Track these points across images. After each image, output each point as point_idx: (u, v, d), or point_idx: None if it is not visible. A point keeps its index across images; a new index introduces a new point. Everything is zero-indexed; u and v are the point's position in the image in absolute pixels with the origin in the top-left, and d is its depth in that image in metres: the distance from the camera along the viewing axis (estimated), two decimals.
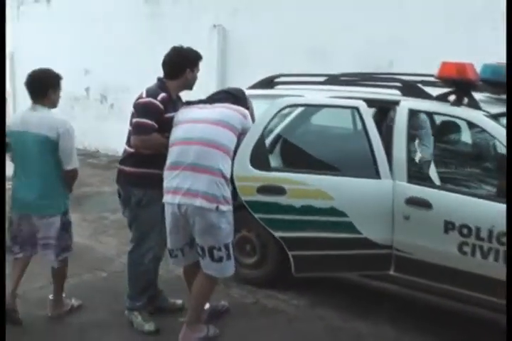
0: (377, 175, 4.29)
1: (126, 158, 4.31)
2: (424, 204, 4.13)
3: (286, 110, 4.71)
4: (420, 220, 4.18)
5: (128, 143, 4.28)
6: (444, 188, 4.26)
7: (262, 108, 4.52)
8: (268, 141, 4.72)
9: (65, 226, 4.40)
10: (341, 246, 4.36)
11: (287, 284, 4.98)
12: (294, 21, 8.47)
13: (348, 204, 4.30)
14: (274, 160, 4.69)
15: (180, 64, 4.22)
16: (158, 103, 4.10)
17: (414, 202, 4.18)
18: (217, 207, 3.82)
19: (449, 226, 4.04)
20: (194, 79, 4.30)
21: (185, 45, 8.74)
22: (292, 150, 4.77)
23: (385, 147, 4.35)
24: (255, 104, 4.46)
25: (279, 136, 4.94)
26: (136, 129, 4.12)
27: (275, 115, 4.39)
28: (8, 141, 4.26)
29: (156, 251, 4.36)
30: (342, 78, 5.29)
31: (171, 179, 3.93)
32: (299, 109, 4.94)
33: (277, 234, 4.47)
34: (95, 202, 7.67)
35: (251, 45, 9.03)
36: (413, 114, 4.45)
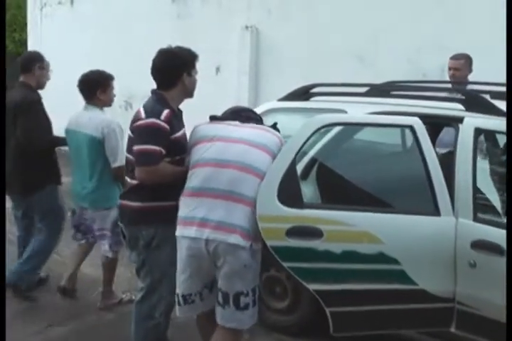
0: (436, 211, 3.46)
1: (131, 192, 3.58)
2: (494, 249, 3.31)
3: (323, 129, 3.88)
4: (490, 269, 3.35)
5: (130, 174, 3.55)
6: None
7: (296, 125, 3.71)
8: (300, 170, 3.87)
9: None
10: (392, 299, 3.53)
11: (324, 334, 4.05)
12: (333, 22, 7.68)
13: (400, 248, 3.46)
14: (308, 194, 3.83)
15: (175, 68, 3.51)
16: (163, 124, 3.36)
17: (482, 246, 3.37)
18: (251, 245, 3.23)
19: None
20: (194, 84, 3.60)
21: (215, 47, 8.07)
22: (330, 181, 3.93)
23: (445, 175, 3.51)
24: (288, 119, 3.85)
25: (313, 163, 4.10)
26: (140, 159, 3.37)
27: (309, 137, 3.50)
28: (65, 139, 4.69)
29: (168, 300, 3.63)
30: (389, 88, 4.48)
31: (193, 208, 3.25)
32: (339, 128, 4.10)
33: (312, 287, 3.58)
34: None
35: (287, 48, 8.23)
36: (481, 134, 3.62)
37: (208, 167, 3.30)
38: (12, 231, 5.47)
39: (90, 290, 5.02)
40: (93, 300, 4.88)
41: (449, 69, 5.69)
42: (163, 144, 3.35)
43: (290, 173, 3.40)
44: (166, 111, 3.39)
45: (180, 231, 3.30)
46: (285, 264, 3.45)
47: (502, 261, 3.26)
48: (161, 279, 3.60)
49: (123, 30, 10.15)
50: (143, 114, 3.40)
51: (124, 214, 3.62)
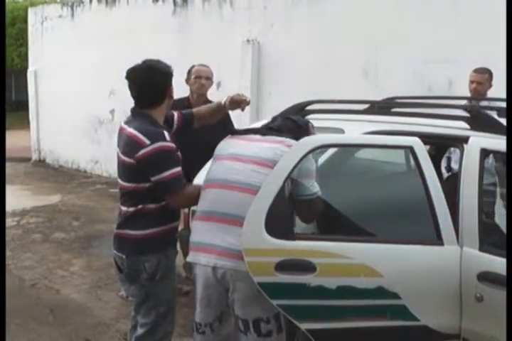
0: (438, 239, 3.16)
1: (129, 220, 3.33)
2: (503, 282, 2.97)
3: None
4: (498, 303, 3.01)
5: (127, 202, 3.32)
6: None
7: None
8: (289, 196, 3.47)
9: None
10: (392, 337, 3.22)
11: None
12: (336, 34, 7.51)
13: (400, 282, 3.14)
14: (299, 224, 3.47)
15: (163, 84, 3.31)
16: (172, 144, 3.21)
17: (489, 278, 3.07)
18: None
19: None
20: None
21: (217, 61, 7.90)
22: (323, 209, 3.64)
23: (448, 200, 3.21)
24: None
25: None
26: (173, 185, 3.19)
27: (300, 161, 3.17)
28: None
29: (171, 335, 3.48)
30: (390, 105, 4.23)
31: (202, 233, 3.12)
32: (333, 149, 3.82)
33: (304, 326, 3.19)
34: (107, 244, 6.72)
35: (289, 62, 8.05)
36: (487, 155, 3.34)
37: (214, 188, 3.14)
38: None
39: (73, 317, 4.81)
40: (75, 328, 4.64)
41: (471, 82, 5.61)
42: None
43: (279, 201, 3.08)
44: (166, 132, 3.21)
45: (191, 257, 3.16)
46: (274, 302, 3.10)
47: None
48: (166, 313, 3.39)
49: (123, 44, 10.08)
50: (146, 140, 3.14)
51: (123, 245, 3.36)
